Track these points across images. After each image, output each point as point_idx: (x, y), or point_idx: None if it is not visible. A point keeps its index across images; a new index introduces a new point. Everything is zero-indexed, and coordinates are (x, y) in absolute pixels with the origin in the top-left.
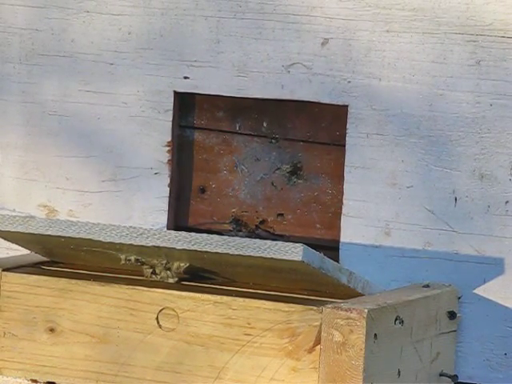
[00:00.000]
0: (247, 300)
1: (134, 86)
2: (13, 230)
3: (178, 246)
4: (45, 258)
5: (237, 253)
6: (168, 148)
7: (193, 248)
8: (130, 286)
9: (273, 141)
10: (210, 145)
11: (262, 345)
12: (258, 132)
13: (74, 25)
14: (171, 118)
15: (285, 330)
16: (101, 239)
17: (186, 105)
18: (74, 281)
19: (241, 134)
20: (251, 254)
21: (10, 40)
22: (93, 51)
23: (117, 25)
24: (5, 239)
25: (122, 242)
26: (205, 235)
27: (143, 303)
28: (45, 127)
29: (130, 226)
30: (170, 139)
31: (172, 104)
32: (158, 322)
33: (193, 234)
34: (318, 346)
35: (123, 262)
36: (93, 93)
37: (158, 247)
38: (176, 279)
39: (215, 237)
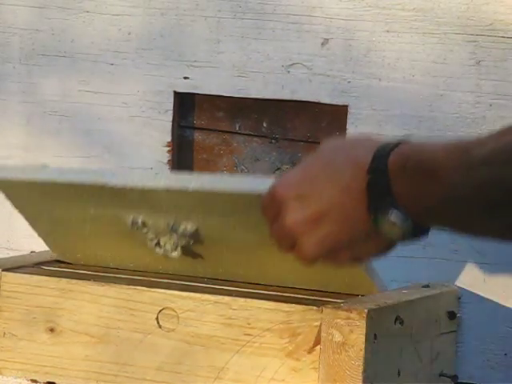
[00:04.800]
0: (247, 300)
1: (134, 86)
2: (24, 178)
3: (192, 186)
4: (45, 258)
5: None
6: (168, 148)
7: (206, 189)
8: (130, 286)
9: (273, 141)
10: (209, 145)
11: (261, 345)
12: (257, 132)
13: (74, 25)
14: (171, 118)
15: (285, 330)
16: (113, 182)
17: (186, 105)
18: (74, 281)
19: (241, 133)
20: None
21: (10, 40)
22: (93, 51)
23: (117, 25)
24: (8, 198)
25: (134, 186)
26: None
27: (143, 303)
28: (45, 127)
29: (141, 170)
30: (170, 139)
31: (172, 104)
32: (158, 322)
33: (206, 174)
34: (318, 346)
35: (130, 226)
36: (93, 93)
37: (169, 198)
38: (179, 253)
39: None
